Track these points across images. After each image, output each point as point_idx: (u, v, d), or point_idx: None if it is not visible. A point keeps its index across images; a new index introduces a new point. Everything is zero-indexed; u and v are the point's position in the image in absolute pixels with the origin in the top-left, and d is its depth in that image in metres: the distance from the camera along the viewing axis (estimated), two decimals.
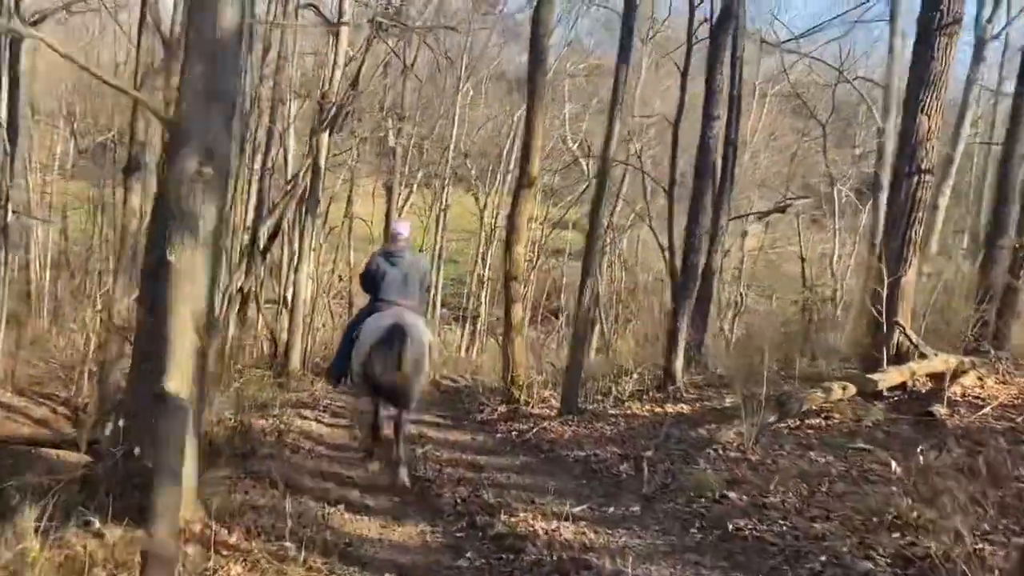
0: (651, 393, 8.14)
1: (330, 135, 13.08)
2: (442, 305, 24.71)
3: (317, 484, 5.40)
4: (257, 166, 16.39)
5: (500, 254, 24.84)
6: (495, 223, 24.01)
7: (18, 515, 3.56)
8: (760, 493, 4.42)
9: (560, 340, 25.13)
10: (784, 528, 3.88)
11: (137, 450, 3.75)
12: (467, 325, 24.67)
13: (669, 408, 7.39)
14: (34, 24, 8.16)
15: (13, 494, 3.87)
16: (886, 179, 16.02)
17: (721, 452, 5.42)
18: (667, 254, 12.31)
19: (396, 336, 5.17)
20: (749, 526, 3.95)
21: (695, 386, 8.44)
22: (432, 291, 23.01)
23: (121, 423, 3.93)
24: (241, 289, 13.91)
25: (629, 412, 7.34)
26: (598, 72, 25.59)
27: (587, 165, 21.21)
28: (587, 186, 21.97)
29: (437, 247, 23.35)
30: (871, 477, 4.62)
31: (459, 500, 4.88)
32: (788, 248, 22.05)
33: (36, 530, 3.51)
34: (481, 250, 24.65)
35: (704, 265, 9.32)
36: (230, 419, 6.95)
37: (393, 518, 4.63)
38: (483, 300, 24.84)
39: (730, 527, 3.98)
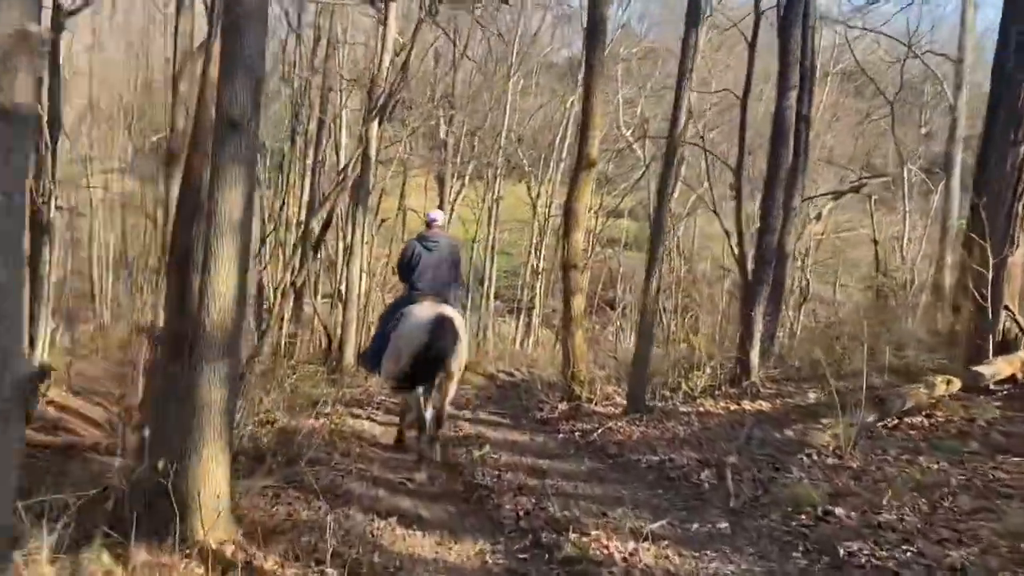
0: (724, 388, 7.51)
1: (380, 124, 12.73)
2: (495, 297, 24.26)
3: (367, 491, 4.97)
4: (309, 161, 16.26)
5: (554, 244, 24.47)
6: (549, 213, 23.47)
7: (33, 537, 3.20)
8: (871, 509, 3.80)
9: (616, 332, 24.48)
10: (909, 555, 3.26)
11: (161, 463, 3.35)
12: (521, 317, 24.18)
13: (747, 405, 6.76)
14: (73, 13, 7.93)
15: (29, 512, 3.53)
16: (959, 157, 15.05)
17: (816, 458, 4.79)
18: (734, 238, 11.61)
19: (437, 332, 5.26)
20: (865, 551, 3.34)
21: (772, 380, 7.79)
22: (486, 278, 22.68)
23: (146, 432, 3.54)
24: (294, 284, 13.72)
25: (702, 410, 6.73)
26: (652, 56, 24.89)
27: (643, 150, 20.45)
28: (642, 173, 21.25)
29: (490, 239, 22.95)
30: (1002, 489, 3.96)
31: (521, 513, 4.37)
32: (859, 231, 20.93)
33: (51, 555, 3.16)
34: (535, 240, 24.11)
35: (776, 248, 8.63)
36: (277, 419, 6.62)
37: (449, 533, 4.16)
38: (538, 291, 24.33)
39: (841, 552, 3.38)
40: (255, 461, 5.21)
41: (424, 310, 5.49)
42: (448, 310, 5.53)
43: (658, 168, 20.78)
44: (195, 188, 4.40)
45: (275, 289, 13.76)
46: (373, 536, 4.00)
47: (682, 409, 6.84)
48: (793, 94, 7.76)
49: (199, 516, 3.40)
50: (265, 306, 14.65)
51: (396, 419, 7.42)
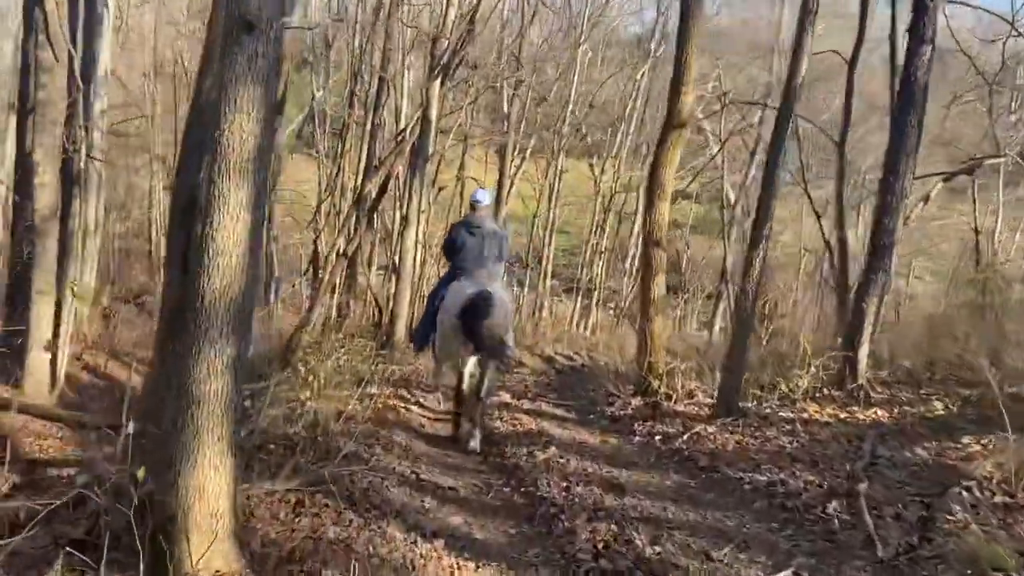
0: (826, 391, 6.45)
1: (442, 84, 11.89)
2: (552, 276, 23.31)
3: (411, 500, 4.14)
4: (368, 126, 15.55)
5: (615, 224, 23.36)
6: (613, 190, 22.39)
7: None
8: None
9: (678, 319, 23.27)
10: None
11: (141, 472, 2.55)
12: (580, 298, 23.15)
13: (859, 414, 5.73)
14: None
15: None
16: None
17: (978, 493, 3.75)
18: (830, 222, 10.44)
19: (481, 302, 5.32)
20: None
21: (881, 383, 6.72)
22: (544, 256, 21.76)
23: (131, 428, 2.76)
24: (345, 252, 13.04)
25: (806, 416, 5.70)
26: (727, 32, 23.59)
27: (720, 124, 19.11)
28: (719, 149, 19.93)
29: (550, 216, 21.96)
30: None
31: (600, 545, 3.47)
32: (956, 218, 19.41)
33: None
34: (597, 219, 23.03)
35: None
36: (318, 400, 5.85)
37: (508, 567, 3.30)
38: (599, 272, 23.32)
39: None
40: (286, 452, 4.44)
41: (468, 287, 5.53)
42: (492, 287, 5.55)
43: (732, 145, 19.62)
44: (204, 115, 3.55)
45: (326, 257, 13.17)
46: (414, 568, 3.16)
47: (781, 414, 5.82)
48: (927, 50, 6.56)
49: (189, 541, 2.59)
50: (320, 276, 14.14)
51: (449, 404, 6.58)
